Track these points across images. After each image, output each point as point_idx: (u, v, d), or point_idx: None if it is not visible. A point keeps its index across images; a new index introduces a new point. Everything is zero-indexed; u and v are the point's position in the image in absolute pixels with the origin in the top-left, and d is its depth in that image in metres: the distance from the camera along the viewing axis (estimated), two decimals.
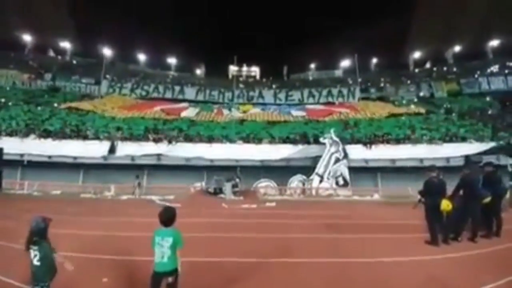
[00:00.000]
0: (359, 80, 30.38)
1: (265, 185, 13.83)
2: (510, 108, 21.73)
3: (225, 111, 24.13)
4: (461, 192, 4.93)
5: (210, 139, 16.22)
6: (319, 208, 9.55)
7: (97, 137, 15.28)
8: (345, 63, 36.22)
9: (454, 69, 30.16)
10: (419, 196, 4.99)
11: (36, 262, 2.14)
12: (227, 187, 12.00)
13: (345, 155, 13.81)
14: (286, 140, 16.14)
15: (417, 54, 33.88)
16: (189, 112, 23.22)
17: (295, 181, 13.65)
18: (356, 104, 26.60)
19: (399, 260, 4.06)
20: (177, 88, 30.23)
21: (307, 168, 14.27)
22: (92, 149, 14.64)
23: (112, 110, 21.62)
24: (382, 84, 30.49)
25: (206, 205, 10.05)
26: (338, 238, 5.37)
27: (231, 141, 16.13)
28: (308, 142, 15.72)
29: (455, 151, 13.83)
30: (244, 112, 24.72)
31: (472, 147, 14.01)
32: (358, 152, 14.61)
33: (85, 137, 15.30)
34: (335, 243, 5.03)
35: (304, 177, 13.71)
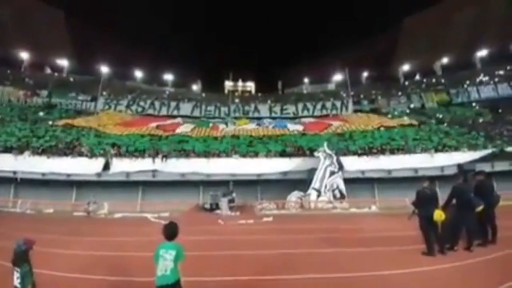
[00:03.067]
0: (352, 93, 31.22)
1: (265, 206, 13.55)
2: (502, 116, 22.27)
3: (221, 126, 24.33)
4: (454, 201, 4.98)
5: (206, 154, 16.22)
6: (317, 222, 9.42)
7: (91, 154, 15.17)
8: (338, 77, 37.30)
9: (443, 80, 31.17)
10: (413, 207, 5.02)
11: (17, 284, 2.17)
12: (223, 202, 11.82)
13: (341, 167, 13.85)
14: (282, 154, 16.19)
15: (406, 67, 35.07)
16: (185, 128, 23.33)
17: (293, 198, 13.49)
18: (350, 116, 27.11)
19: (398, 272, 4.05)
20: (173, 104, 30.58)
21: (304, 182, 14.19)
22: (86, 166, 14.47)
23: (107, 127, 21.63)
24: (373, 97, 31.32)
25: (202, 222, 9.85)
26: (337, 252, 5.30)
27: (228, 155, 16.14)
28: (305, 155, 15.80)
29: (448, 160, 14.01)
30: (240, 126, 24.96)
31: (465, 156, 14.22)
32: (354, 164, 14.69)
33: (80, 154, 15.18)
34: (334, 258, 4.97)
35: (302, 193, 13.55)
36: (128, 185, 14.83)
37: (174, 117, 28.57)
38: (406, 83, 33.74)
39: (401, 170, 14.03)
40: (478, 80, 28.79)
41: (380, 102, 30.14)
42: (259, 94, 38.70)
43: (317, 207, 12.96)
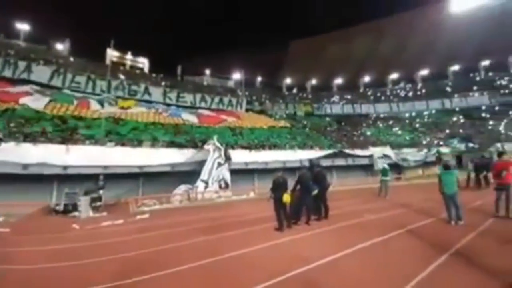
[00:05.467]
0: (246, 93, 34.23)
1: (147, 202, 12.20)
2: (344, 127, 31.58)
3: (94, 105, 19.54)
4: (298, 187, 6.52)
5: (66, 140, 12.55)
6: (199, 212, 9.55)
7: None
8: (237, 75, 39.65)
9: (310, 96, 40.52)
10: (270, 192, 6.16)
11: None
12: (83, 202, 9.55)
13: (228, 159, 14.84)
14: (171, 144, 15.21)
15: (288, 80, 42.86)
16: (35, 100, 16.97)
17: (180, 191, 13.06)
18: (243, 114, 29.60)
19: (259, 247, 4.77)
20: (21, 64, 21.24)
21: (193, 174, 14.04)
22: None
23: None
24: (263, 100, 35.91)
25: (48, 228, 7.59)
26: (208, 240, 5.55)
27: (99, 143, 13.25)
28: (196, 147, 15.64)
29: (305, 155, 18.14)
30: (123, 108, 21.19)
31: (316, 153, 19.15)
32: (240, 156, 16.17)
33: None
34: (204, 245, 5.17)
35: (189, 185, 13.36)
36: None
37: (22, 82, 20.12)
38: (287, 93, 41.24)
39: (275, 162, 16.85)
40: (332, 100, 39.89)
41: (267, 105, 34.89)
42: (153, 75, 34.49)
43: (204, 198, 13.23)
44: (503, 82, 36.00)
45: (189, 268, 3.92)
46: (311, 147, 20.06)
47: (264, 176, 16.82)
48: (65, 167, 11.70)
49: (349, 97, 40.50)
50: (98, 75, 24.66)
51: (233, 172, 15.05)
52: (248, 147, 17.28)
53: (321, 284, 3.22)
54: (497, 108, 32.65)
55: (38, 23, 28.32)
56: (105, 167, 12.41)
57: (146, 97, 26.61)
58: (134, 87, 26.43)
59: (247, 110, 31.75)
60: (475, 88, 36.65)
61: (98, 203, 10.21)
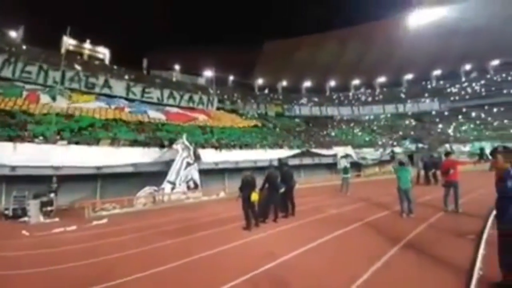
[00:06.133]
0: (218, 91, 33.63)
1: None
2: (312, 128, 33.00)
3: (45, 98, 17.35)
4: (266, 185, 6.59)
5: (12, 137, 10.98)
6: (163, 215, 9.06)
7: None
8: (208, 73, 38.68)
9: (281, 97, 41.55)
10: (239, 191, 6.14)
11: None
12: (32, 206, 8.54)
13: (198, 159, 14.39)
14: (133, 143, 14.18)
15: (260, 81, 43.37)
16: None
17: (144, 194, 12.23)
18: (214, 112, 29.02)
19: (230, 246, 4.74)
20: None
21: (160, 175, 13.21)
22: None
23: None
24: (235, 99, 35.71)
25: None
26: (175, 242, 5.31)
27: (50, 140, 11.79)
28: (163, 146, 14.85)
29: (275, 154, 18.50)
30: (77, 102, 19.14)
31: (285, 152, 19.68)
32: (210, 156, 15.81)
33: None
34: (169, 249, 4.94)
35: (154, 187, 12.56)
36: None
37: None
38: (258, 93, 41.69)
39: (245, 162, 16.69)
40: (301, 101, 41.51)
41: (239, 104, 34.78)
42: (115, 67, 31.84)
43: (170, 199, 12.59)
44: (454, 90, 40.99)
45: (150, 274, 3.69)
46: (281, 147, 20.57)
47: (235, 175, 16.62)
48: (13, 168, 10.27)
49: (316, 99, 42.74)
50: (51, 65, 21.88)
51: (203, 172, 14.64)
52: (219, 147, 16.99)
53: (285, 279, 3.31)
54: (446, 113, 37.10)
55: None
56: (57, 167, 11.11)
57: (106, 91, 24.34)
58: (92, 80, 23.97)
59: (218, 109, 31.20)
60: (426, 94, 41.30)
61: (49, 208, 9.19)
